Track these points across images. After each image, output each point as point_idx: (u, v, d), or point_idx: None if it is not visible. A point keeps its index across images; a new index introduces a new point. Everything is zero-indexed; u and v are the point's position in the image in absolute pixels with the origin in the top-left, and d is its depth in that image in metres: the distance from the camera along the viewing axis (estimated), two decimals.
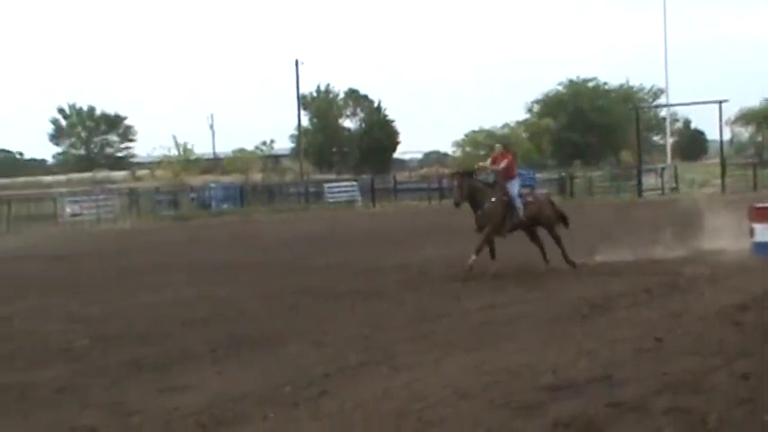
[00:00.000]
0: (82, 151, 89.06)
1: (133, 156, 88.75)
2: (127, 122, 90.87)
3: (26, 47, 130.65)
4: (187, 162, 66.31)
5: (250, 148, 75.85)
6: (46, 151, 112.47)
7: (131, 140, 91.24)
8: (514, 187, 15.33)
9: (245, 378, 7.98)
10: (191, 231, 32.61)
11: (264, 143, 77.24)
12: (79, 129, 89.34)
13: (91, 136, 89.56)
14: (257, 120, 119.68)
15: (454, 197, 15.55)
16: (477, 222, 15.04)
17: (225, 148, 79.27)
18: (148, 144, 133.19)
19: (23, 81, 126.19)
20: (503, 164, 15.37)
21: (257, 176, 64.16)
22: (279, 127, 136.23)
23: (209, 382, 7.85)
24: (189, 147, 68.38)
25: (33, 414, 7.10)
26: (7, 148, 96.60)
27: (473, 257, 14.40)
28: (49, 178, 72.69)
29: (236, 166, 68.30)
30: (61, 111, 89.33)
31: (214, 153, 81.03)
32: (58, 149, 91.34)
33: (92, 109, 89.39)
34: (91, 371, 8.60)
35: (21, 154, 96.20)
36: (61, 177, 71.98)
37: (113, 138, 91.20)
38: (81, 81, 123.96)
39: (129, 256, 22.62)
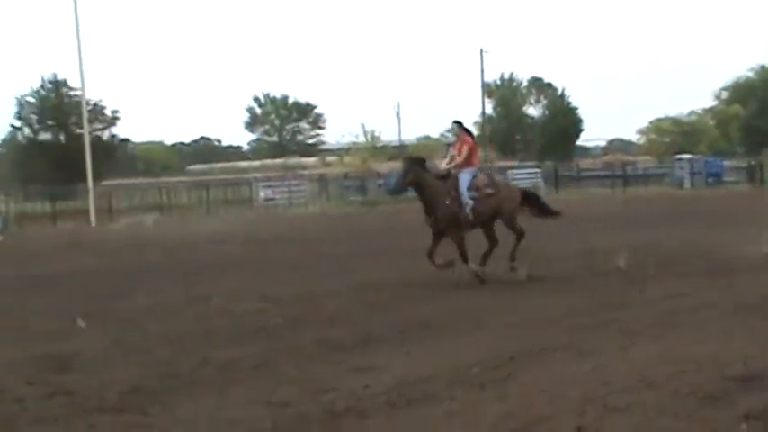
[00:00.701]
0: (275, 138, 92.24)
1: (323, 143, 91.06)
2: (317, 111, 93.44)
3: (224, 40, 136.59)
4: (374, 149, 67.53)
5: (435, 135, 76.60)
6: (242, 138, 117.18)
7: (321, 128, 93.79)
8: (465, 180, 13.39)
9: (433, 359, 8.09)
10: (377, 217, 33.24)
11: (449, 131, 77.70)
12: (273, 117, 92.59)
13: (283, 124, 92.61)
14: (442, 107, 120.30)
15: (395, 182, 13.93)
16: (432, 227, 13.35)
17: (410, 135, 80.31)
18: (337, 131, 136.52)
19: (222, 72, 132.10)
20: (463, 153, 13.57)
21: (442, 163, 64.46)
22: (463, 115, 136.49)
23: (397, 363, 8.01)
24: (376, 134, 69.70)
25: (231, 389, 7.36)
26: (207, 135, 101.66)
27: (471, 266, 13.10)
28: (244, 164, 75.71)
29: (421, 152, 68.90)
30: (256, 100, 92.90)
31: (400, 140, 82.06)
32: (253, 137, 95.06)
33: (285, 98, 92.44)
34: (284, 349, 8.86)
35: (219, 141, 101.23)
36: (255, 163, 74.79)
37: (304, 125, 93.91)
38: (275, 71, 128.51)
39: (318, 240, 23.27)
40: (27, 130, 61.36)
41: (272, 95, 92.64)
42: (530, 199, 14.48)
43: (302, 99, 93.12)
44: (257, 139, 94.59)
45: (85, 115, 41.33)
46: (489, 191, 13.57)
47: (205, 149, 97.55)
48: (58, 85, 60.58)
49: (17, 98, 60.90)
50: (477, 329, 9.56)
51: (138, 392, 7.28)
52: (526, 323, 9.80)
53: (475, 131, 78.43)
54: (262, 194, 43.52)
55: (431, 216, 13.29)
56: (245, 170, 66.54)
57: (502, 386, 7.01)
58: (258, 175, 54.17)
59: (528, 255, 13.85)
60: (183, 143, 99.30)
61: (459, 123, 14.06)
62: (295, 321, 10.54)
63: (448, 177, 13.48)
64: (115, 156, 64.30)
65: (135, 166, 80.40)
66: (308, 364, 8.17)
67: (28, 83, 65.77)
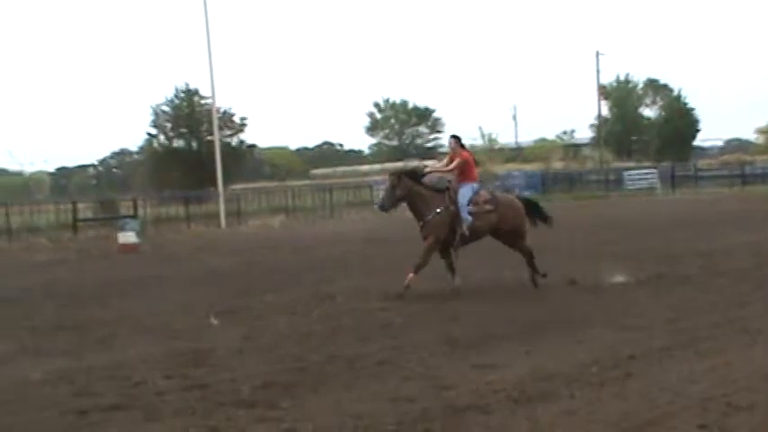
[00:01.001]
0: (395, 142, 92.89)
1: (441, 146, 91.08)
2: (435, 115, 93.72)
3: (345, 49, 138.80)
4: (491, 151, 67.37)
5: (551, 137, 76.08)
6: (362, 142, 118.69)
7: (439, 132, 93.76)
8: (465, 195, 13.09)
9: (553, 358, 8.19)
10: None
11: (565, 132, 77.28)
12: (392, 121, 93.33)
13: (403, 128, 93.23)
14: (558, 110, 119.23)
15: (381, 200, 13.70)
16: (422, 234, 13.14)
17: (527, 137, 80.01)
18: None
19: (343, 79, 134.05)
20: (453, 164, 13.26)
21: (558, 165, 64.17)
22: (579, 116, 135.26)
23: (517, 361, 8.14)
24: (493, 137, 69.48)
25: (358, 384, 7.59)
26: (329, 140, 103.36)
27: (411, 276, 12.67)
28: (365, 167, 76.36)
29: (537, 154, 68.62)
30: (376, 105, 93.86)
31: (516, 142, 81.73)
32: (373, 141, 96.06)
33: (404, 103, 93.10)
34: (407, 346, 9.04)
35: (341, 145, 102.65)
36: (376, 166, 75.32)
37: (423, 129, 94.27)
38: (395, 77, 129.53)
39: None
40: (162, 138, 63.29)
41: (391, 101, 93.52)
42: (528, 206, 14.10)
43: (421, 104, 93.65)
44: (377, 143, 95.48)
45: (216, 123, 42.44)
46: (488, 207, 13.32)
47: (328, 153, 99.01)
48: (190, 94, 62.30)
49: (153, 107, 62.94)
50: (596, 329, 9.60)
51: (269, 387, 7.57)
52: (645, 323, 9.79)
53: (591, 133, 77.74)
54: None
55: (419, 222, 13.22)
56: (365, 173, 67.13)
57: (621, 385, 7.08)
58: (378, 178, 54.61)
59: (651, 255, 13.73)
60: (306, 148, 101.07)
61: (456, 138, 13.75)
62: (417, 319, 10.74)
63: (446, 191, 13.27)
64: (243, 161, 65.69)
65: (262, 171, 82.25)
66: (431, 361, 8.34)
67: (163, 93, 68.03)
